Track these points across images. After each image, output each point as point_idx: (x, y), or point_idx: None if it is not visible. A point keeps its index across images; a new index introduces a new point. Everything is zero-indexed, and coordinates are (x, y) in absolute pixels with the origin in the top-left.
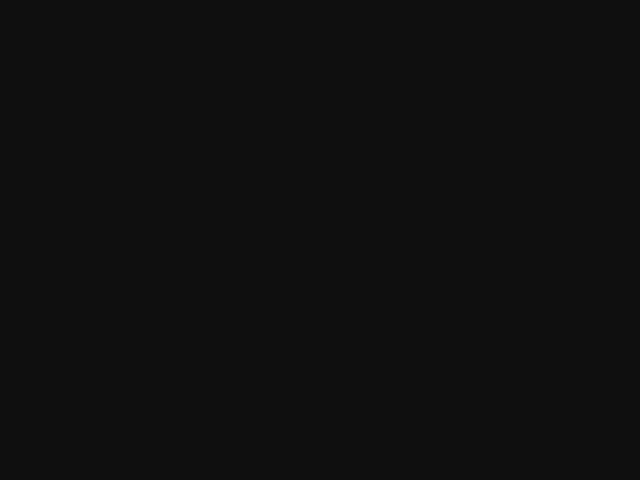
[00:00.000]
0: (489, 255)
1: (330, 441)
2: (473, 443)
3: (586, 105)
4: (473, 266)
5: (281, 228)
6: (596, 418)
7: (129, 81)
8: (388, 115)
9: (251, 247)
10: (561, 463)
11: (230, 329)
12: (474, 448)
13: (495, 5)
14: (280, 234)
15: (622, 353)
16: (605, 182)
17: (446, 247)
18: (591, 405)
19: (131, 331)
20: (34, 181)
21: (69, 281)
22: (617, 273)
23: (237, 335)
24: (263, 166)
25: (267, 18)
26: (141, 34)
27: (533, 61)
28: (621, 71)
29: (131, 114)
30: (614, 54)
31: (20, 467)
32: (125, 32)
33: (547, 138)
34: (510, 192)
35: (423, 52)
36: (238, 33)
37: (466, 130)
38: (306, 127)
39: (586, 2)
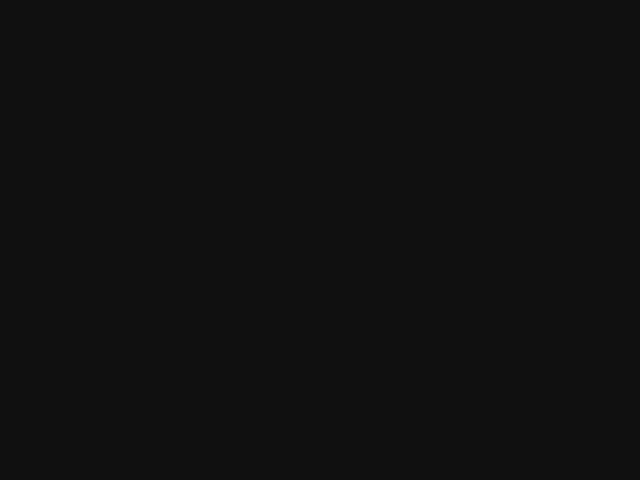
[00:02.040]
0: (489, 255)
1: (330, 441)
2: (473, 443)
3: (586, 105)
4: (473, 266)
5: (281, 228)
6: (596, 418)
7: (129, 81)
8: (388, 115)
9: (251, 247)
10: (561, 463)
11: (230, 329)
12: (474, 448)
13: (495, 5)
14: (280, 234)
15: (622, 353)
16: (605, 182)
17: (446, 247)
18: (591, 405)
19: (131, 331)
20: (34, 181)
21: (69, 281)
22: (617, 273)
23: (237, 335)
24: (263, 166)
25: (267, 18)
26: (141, 34)
27: (533, 61)
28: (621, 71)
29: (131, 114)
30: (614, 54)
31: (20, 467)
32: (125, 32)
33: (547, 138)
34: (510, 192)
35: (423, 52)
36: (238, 33)
37: (466, 130)
38: (306, 127)
39: (586, 2)
